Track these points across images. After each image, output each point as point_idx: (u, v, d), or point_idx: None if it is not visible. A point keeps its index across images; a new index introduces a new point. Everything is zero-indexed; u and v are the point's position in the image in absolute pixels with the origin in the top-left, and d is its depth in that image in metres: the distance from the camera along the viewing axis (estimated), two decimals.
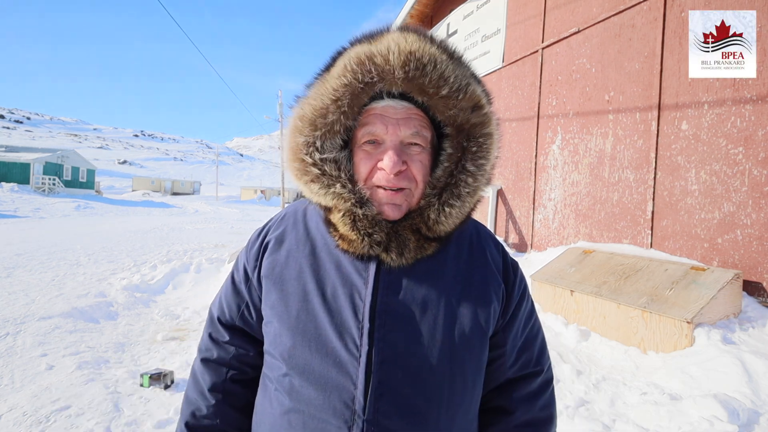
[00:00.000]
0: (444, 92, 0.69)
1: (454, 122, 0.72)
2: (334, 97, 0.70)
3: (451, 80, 0.69)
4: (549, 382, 0.87)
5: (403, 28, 0.73)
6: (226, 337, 0.86)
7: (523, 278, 0.86)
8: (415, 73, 0.68)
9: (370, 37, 0.72)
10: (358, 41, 0.73)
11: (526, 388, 0.83)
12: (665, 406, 2.32)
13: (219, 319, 0.88)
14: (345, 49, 0.73)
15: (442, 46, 0.72)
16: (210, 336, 0.88)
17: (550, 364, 0.88)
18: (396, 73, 0.68)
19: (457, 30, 7.94)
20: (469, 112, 0.71)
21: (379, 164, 0.71)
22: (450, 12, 8.20)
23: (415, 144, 0.72)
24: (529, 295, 0.87)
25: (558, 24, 5.63)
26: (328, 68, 0.74)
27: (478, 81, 0.75)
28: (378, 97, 0.72)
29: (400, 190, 0.72)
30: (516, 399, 0.83)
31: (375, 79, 0.68)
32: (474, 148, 0.73)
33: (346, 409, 0.67)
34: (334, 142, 0.74)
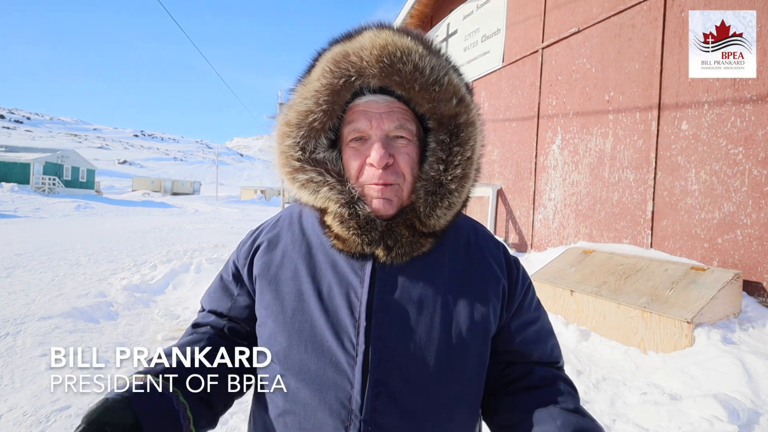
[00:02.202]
0: (420, 84, 0.68)
1: (434, 114, 0.71)
2: (316, 99, 0.70)
3: (427, 72, 0.68)
4: (562, 370, 0.85)
5: (379, 25, 0.73)
6: (212, 317, 0.84)
7: (525, 274, 0.85)
8: (389, 66, 0.67)
9: (347, 36, 0.72)
10: (336, 41, 0.73)
11: (543, 372, 0.79)
12: (665, 406, 2.32)
13: (210, 311, 0.86)
14: (324, 50, 0.73)
15: (418, 39, 0.71)
16: (200, 315, 0.88)
17: (563, 361, 0.87)
18: (371, 68, 0.68)
19: (457, 30, 7.94)
20: (448, 103, 0.70)
21: (368, 160, 0.70)
22: (450, 12, 8.20)
23: (401, 137, 0.72)
24: (533, 291, 0.86)
25: (558, 24, 5.63)
26: (308, 71, 0.74)
27: (458, 72, 0.74)
28: (360, 93, 0.73)
29: (390, 185, 0.71)
30: (536, 375, 0.78)
31: (353, 77, 0.69)
32: (456, 139, 0.72)
33: (342, 409, 0.66)
34: (321, 142, 0.74)
